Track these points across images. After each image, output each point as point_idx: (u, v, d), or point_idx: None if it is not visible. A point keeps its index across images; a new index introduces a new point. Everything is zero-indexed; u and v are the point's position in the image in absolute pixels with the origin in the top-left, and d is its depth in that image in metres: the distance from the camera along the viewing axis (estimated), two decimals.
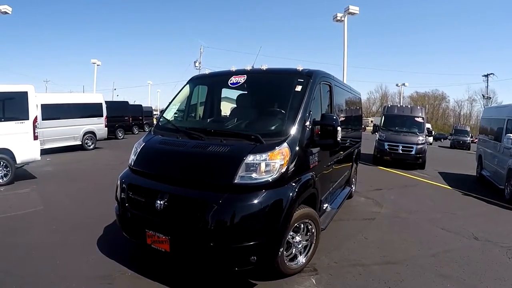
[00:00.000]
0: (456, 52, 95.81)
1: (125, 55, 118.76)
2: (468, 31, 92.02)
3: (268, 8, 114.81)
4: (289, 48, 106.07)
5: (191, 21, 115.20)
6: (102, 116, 13.75)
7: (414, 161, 11.40)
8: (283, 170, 2.90)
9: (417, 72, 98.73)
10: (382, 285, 3.21)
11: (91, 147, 13.35)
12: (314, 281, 3.23)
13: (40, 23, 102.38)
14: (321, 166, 3.79)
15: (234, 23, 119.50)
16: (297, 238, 3.21)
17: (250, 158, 2.85)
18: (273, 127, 3.31)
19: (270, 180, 2.83)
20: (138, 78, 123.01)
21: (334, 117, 3.37)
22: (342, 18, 18.42)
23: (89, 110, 13.44)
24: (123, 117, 19.68)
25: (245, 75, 3.81)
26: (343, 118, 5.01)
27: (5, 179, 6.79)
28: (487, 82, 46.03)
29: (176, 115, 4.26)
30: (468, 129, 30.83)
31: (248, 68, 4.02)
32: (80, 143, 12.96)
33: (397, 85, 47.87)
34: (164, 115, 4.13)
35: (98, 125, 13.60)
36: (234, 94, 4.20)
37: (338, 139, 3.34)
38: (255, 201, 2.74)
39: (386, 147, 11.54)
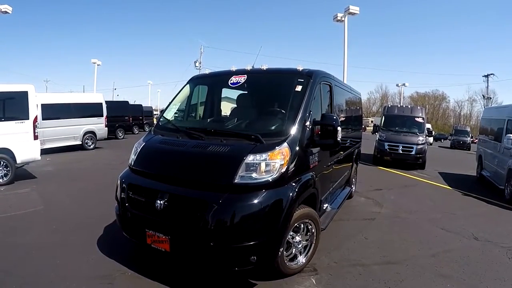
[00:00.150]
0: (456, 52, 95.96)
1: (125, 55, 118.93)
2: (468, 31, 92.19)
3: (268, 8, 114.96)
4: (289, 48, 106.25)
5: (191, 21, 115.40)
6: (102, 116, 13.76)
7: (414, 161, 11.39)
8: (283, 170, 2.90)
9: (417, 72, 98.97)
10: (382, 285, 3.21)
11: (91, 147, 13.35)
12: (314, 281, 3.23)
13: (40, 22, 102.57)
14: (321, 166, 3.78)
15: (234, 23, 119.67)
16: (297, 238, 3.21)
17: (250, 158, 2.85)
18: (273, 127, 3.31)
19: (270, 180, 2.83)
20: (138, 78, 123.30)
21: (334, 117, 3.37)
22: (343, 18, 18.42)
23: (89, 110, 13.45)
24: (123, 117, 19.69)
25: (245, 75, 3.81)
26: (343, 118, 5.01)
27: (5, 179, 6.79)
28: (487, 83, 46.05)
29: (176, 115, 4.27)
30: (468, 129, 30.80)
31: (248, 68, 4.02)
32: (80, 143, 12.96)
33: (397, 85, 47.88)
34: (164, 115, 4.13)
35: (98, 125, 13.60)
36: (234, 94, 4.20)
37: (338, 139, 3.34)
38: (255, 201, 2.74)
39: (386, 147, 11.54)
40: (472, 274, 3.51)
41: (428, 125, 17.18)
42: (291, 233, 3.11)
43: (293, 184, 3.02)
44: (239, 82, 3.79)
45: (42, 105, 11.13)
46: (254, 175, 2.81)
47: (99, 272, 3.22)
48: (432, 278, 3.39)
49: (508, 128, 7.76)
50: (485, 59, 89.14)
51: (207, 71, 4.90)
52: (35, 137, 7.20)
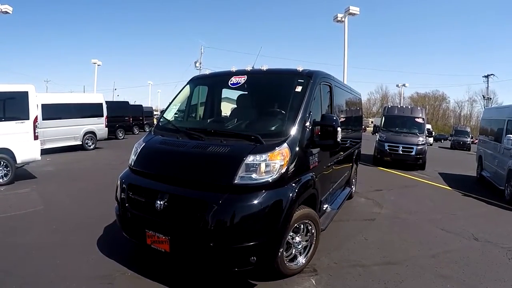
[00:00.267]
0: (456, 53, 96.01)
1: (125, 55, 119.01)
2: (468, 32, 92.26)
3: (268, 8, 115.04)
4: (290, 49, 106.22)
5: (191, 21, 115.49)
6: (102, 116, 13.76)
7: (414, 162, 11.39)
8: (283, 170, 2.90)
9: (418, 73, 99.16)
10: (382, 285, 3.21)
11: (92, 147, 13.36)
12: (314, 281, 3.24)
13: (41, 22, 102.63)
14: (321, 166, 3.79)
15: (234, 23, 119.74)
16: (297, 239, 3.21)
17: (250, 159, 2.85)
18: (273, 128, 3.31)
19: (270, 181, 2.83)
20: (139, 78, 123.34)
21: (334, 118, 3.37)
22: (343, 19, 18.45)
23: (90, 110, 13.45)
24: (124, 117, 19.68)
25: (246, 76, 3.82)
26: (343, 119, 5.01)
27: (5, 179, 6.80)
28: (488, 83, 45.93)
29: (177, 115, 4.27)
30: (469, 129, 30.77)
31: (249, 68, 4.03)
32: (81, 143, 12.97)
33: (397, 85, 47.94)
34: (164, 115, 4.13)
35: (99, 125, 13.60)
36: (235, 94, 4.21)
37: (338, 139, 3.34)
38: (255, 202, 2.74)
39: (386, 147, 11.54)
40: (472, 275, 3.51)
41: (428, 126, 17.15)
42: (291, 233, 3.11)
43: (293, 184, 3.02)
44: (239, 83, 3.80)
45: (42, 105, 11.13)
46: (254, 175, 2.81)
47: (99, 272, 3.22)
48: (432, 279, 3.39)
49: (508, 129, 7.75)
50: (485, 60, 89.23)
51: (207, 72, 4.90)
52: (35, 137, 7.20)
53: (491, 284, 3.34)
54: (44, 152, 9.06)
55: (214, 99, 4.44)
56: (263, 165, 2.84)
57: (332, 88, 4.26)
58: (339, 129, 3.32)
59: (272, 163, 2.87)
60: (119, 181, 3.44)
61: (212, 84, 4.50)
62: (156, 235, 2.93)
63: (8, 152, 6.84)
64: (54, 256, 3.56)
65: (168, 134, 3.61)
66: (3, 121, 6.79)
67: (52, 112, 11.76)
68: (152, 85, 60.41)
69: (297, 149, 3.10)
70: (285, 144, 3.00)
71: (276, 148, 2.95)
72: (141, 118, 23.77)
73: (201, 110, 4.54)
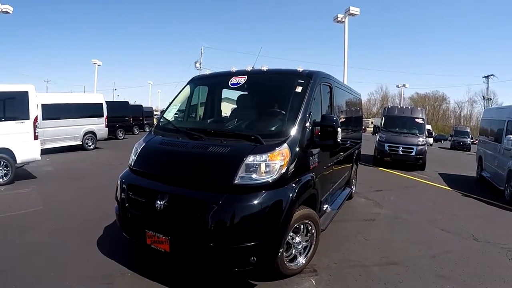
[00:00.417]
0: (456, 53, 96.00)
1: (125, 55, 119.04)
2: (469, 32, 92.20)
3: (269, 9, 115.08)
4: (290, 49, 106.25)
5: (191, 22, 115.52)
6: (102, 116, 13.76)
7: (414, 162, 11.39)
8: (283, 171, 2.90)
9: (418, 73, 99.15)
10: (382, 286, 3.21)
11: (92, 147, 13.36)
12: (314, 281, 3.24)
13: (41, 23, 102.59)
14: (321, 167, 3.79)
15: (234, 24, 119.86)
16: (297, 239, 3.21)
17: (250, 159, 2.85)
18: (273, 128, 3.31)
19: (270, 181, 2.83)
20: (139, 78, 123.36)
21: (334, 118, 3.37)
22: (343, 19, 18.48)
23: (90, 110, 13.45)
24: (124, 117, 19.65)
25: (246, 76, 3.82)
26: (343, 119, 5.01)
27: (5, 179, 6.80)
28: (488, 83, 45.80)
29: (177, 115, 4.27)
30: (469, 130, 30.76)
31: (249, 68, 4.03)
32: (81, 143, 12.96)
33: (397, 86, 47.89)
34: (164, 115, 4.14)
35: (99, 125, 13.60)
36: (235, 94, 4.21)
37: (338, 140, 3.34)
38: (255, 202, 2.74)
39: (386, 148, 11.54)
40: (472, 275, 3.51)
41: (428, 126, 17.15)
42: (291, 234, 3.11)
43: (293, 185, 3.02)
44: (239, 83, 3.80)
45: (42, 105, 11.13)
46: (254, 176, 2.81)
47: (99, 272, 3.22)
48: (432, 279, 3.39)
49: (508, 129, 7.76)
50: (485, 60, 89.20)
51: (207, 72, 4.90)
52: (35, 137, 7.20)
53: (491, 285, 3.34)
54: (44, 152, 9.06)
55: (214, 99, 4.45)
56: (263, 166, 2.84)
57: (332, 88, 4.26)
58: (339, 129, 3.32)
59: (272, 163, 2.87)
60: (119, 181, 3.44)
61: (212, 84, 4.50)
62: (156, 235, 2.93)
63: (8, 152, 6.84)
64: (54, 256, 3.56)
65: (168, 134, 3.61)
66: (3, 121, 6.79)
67: (52, 112, 11.76)
68: (152, 85, 60.51)
69: (297, 149, 3.10)
70: (285, 145, 3.00)
71: (276, 148, 2.95)
72: (141, 118, 23.76)
73: (201, 110, 4.54)
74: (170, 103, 4.26)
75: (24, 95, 7.03)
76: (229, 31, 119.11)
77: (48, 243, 3.91)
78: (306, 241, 3.33)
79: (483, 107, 49.92)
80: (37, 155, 7.38)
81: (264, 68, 3.89)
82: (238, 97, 4.18)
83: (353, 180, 6.56)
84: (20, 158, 7.03)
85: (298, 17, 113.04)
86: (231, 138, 3.19)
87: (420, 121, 12.44)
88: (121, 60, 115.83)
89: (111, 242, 3.90)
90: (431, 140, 26.67)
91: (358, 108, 7.02)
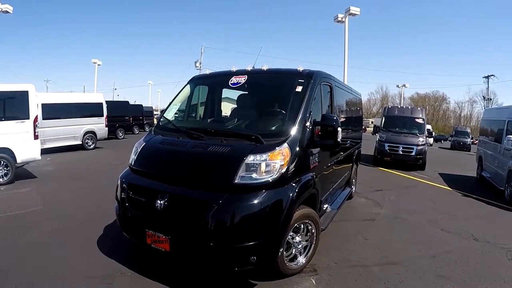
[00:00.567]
0: (456, 53, 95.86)
1: (125, 55, 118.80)
2: (469, 32, 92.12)
3: (269, 9, 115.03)
4: (290, 49, 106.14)
5: (191, 21, 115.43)
6: (102, 116, 13.76)
7: (414, 162, 11.39)
8: (283, 170, 2.90)
9: (418, 73, 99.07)
10: (381, 286, 3.21)
11: (92, 146, 13.35)
12: (314, 281, 3.24)
13: (41, 23, 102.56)
14: (321, 166, 3.79)
15: (234, 23, 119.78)
16: (297, 239, 3.21)
17: (250, 158, 2.85)
18: (273, 128, 3.31)
19: (270, 181, 2.83)
20: (139, 78, 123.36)
21: (335, 118, 3.37)
22: (343, 19, 18.48)
23: (90, 110, 13.44)
24: (124, 117, 19.65)
25: (246, 76, 3.82)
26: (343, 119, 5.01)
27: (5, 179, 6.80)
28: (488, 84, 45.82)
29: (177, 115, 4.27)
30: (469, 130, 30.76)
31: (249, 68, 4.03)
32: (81, 142, 12.96)
33: (397, 86, 47.90)
34: (164, 115, 4.13)
35: (99, 125, 13.59)
36: (235, 94, 4.21)
37: (339, 139, 3.34)
38: (255, 201, 2.74)
39: (387, 148, 11.54)
40: (472, 275, 3.51)
41: (428, 126, 17.15)
42: (291, 233, 3.11)
43: (293, 184, 3.02)
44: (240, 83, 3.80)
45: (42, 104, 11.13)
46: (254, 175, 2.81)
47: (99, 272, 3.22)
48: (432, 279, 3.39)
49: (508, 129, 7.76)
50: (485, 60, 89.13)
51: (207, 72, 4.90)
52: (36, 137, 7.20)
53: (491, 285, 3.34)
54: (44, 151, 9.06)
55: (215, 99, 4.44)
56: (263, 165, 2.84)
57: (333, 88, 4.26)
58: (339, 129, 3.32)
59: (272, 163, 2.87)
60: (119, 181, 3.44)
61: (212, 84, 4.50)
62: (156, 234, 2.93)
63: (8, 151, 6.84)
64: (54, 256, 3.56)
65: (168, 134, 3.61)
66: (3, 120, 6.79)
67: (52, 111, 11.76)
68: (152, 85, 60.48)
69: (298, 149, 3.10)
70: (286, 144, 3.00)
71: (277, 148, 2.95)
72: (141, 118, 23.77)
73: (201, 110, 4.54)
74: (170, 103, 4.26)
75: (24, 95, 7.03)
76: (229, 31, 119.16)
77: (48, 243, 3.90)
78: (306, 240, 3.33)
79: (483, 107, 49.93)
80: (37, 155, 7.37)
81: (264, 67, 3.88)
82: (238, 97, 4.18)
83: (353, 180, 6.56)
84: (20, 158, 7.03)
85: (298, 17, 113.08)
86: (231, 137, 3.19)
87: (420, 121, 12.45)
88: (121, 60, 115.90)
89: (111, 242, 3.90)
90: (431, 140, 26.66)
91: (358, 108, 7.03)
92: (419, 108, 14.37)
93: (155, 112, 29.12)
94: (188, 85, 4.37)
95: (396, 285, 3.23)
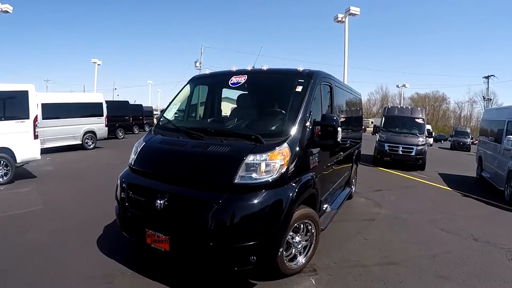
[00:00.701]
0: (456, 54, 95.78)
1: (125, 54, 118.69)
2: (469, 32, 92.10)
3: (269, 9, 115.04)
4: (290, 49, 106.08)
5: (191, 21, 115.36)
6: (102, 115, 13.76)
7: (414, 162, 11.40)
8: (283, 170, 2.90)
9: (418, 73, 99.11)
10: (381, 285, 3.21)
11: (91, 146, 13.35)
12: (313, 281, 3.24)
13: (41, 23, 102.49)
14: (321, 166, 3.79)
15: (234, 23, 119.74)
16: (297, 239, 3.21)
17: (250, 158, 2.85)
18: (273, 127, 3.31)
19: (270, 180, 2.83)
20: (139, 77, 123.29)
21: (335, 118, 3.37)
22: (343, 19, 18.49)
23: (90, 110, 13.45)
24: (124, 116, 19.65)
25: (246, 75, 3.82)
26: (343, 119, 5.01)
27: (5, 178, 6.79)
28: (488, 84, 45.84)
29: (177, 115, 4.27)
30: (469, 130, 30.76)
31: (249, 68, 4.03)
32: (80, 142, 12.96)
33: (397, 86, 47.91)
34: (164, 114, 4.14)
35: (99, 125, 13.60)
36: (235, 94, 4.21)
37: (339, 139, 3.34)
38: (255, 201, 2.74)
39: (386, 148, 11.54)
40: (471, 275, 3.51)
41: (428, 126, 17.14)
42: (291, 233, 3.11)
43: (293, 184, 3.02)
44: (240, 82, 3.80)
45: (42, 104, 11.13)
46: (254, 175, 2.81)
47: (99, 271, 3.22)
48: (431, 279, 3.39)
49: (508, 130, 7.76)
50: (485, 60, 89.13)
51: (207, 71, 4.90)
52: (35, 137, 7.20)
53: (491, 285, 3.34)
54: (44, 151, 9.07)
55: (214, 99, 4.44)
56: (263, 165, 2.84)
57: (333, 88, 4.26)
58: (339, 129, 3.32)
59: (272, 163, 2.87)
60: (119, 181, 3.44)
61: (212, 83, 4.50)
62: (156, 234, 2.93)
63: (8, 151, 6.84)
64: (54, 256, 3.56)
65: (168, 134, 3.61)
66: (3, 120, 6.79)
67: (52, 111, 11.76)
68: (152, 84, 60.54)
69: (297, 149, 3.10)
70: (285, 144, 3.00)
71: (276, 147, 2.95)
72: (141, 117, 23.78)
73: (201, 110, 4.54)
74: (170, 103, 4.26)
75: (24, 95, 7.03)
76: (229, 31, 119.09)
77: (48, 243, 3.90)
78: (306, 240, 3.34)
79: (483, 108, 49.90)
80: (37, 155, 7.37)
81: (264, 67, 3.88)
82: (238, 97, 4.18)
83: (353, 180, 6.56)
84: (20, 158, 7.03)
85: (298, 17, 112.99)
86: (231, 137, 3.19)
87: (420, 121, 12.45)
88: (121, 60, 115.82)
89: (111, 242, 3.90)
90: (431, 140, 26.68)
91: (358, 108, 7.03)
92: (419, 108, 14.38)
93: (155, 112, 29.13)
94: (188, 85, 4.37)
95: (396, 285, 3.23)
